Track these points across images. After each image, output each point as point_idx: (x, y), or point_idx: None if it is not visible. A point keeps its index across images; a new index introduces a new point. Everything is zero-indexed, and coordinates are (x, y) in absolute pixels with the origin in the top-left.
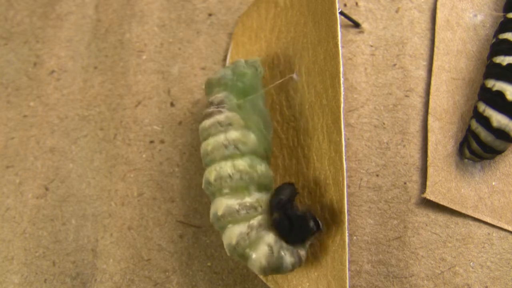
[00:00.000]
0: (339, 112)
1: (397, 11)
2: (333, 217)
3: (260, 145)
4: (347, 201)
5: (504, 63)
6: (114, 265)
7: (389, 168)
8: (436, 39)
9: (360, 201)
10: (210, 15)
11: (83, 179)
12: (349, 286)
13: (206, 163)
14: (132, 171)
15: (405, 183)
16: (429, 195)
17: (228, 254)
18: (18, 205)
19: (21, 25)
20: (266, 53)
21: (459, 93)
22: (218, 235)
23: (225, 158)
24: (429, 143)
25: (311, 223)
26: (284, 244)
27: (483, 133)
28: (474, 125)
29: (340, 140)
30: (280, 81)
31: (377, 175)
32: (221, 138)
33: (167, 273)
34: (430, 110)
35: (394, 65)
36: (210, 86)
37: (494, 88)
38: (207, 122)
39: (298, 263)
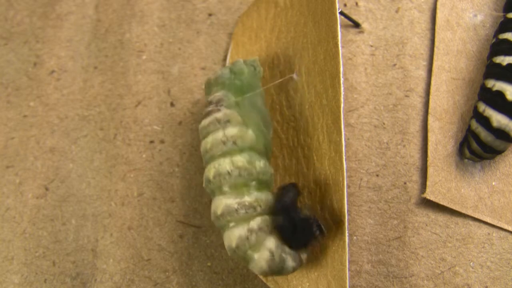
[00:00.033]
0: (339, 112)
1: (397, 11)
2: (333, 217)
3: (258, 141)
4: (347, 201)
5: (504, 63)
6: (114, 265)
7: (389, 168)
8: (436, 39)
9: (360, 201)
10: (210, 15)
11: (83, 179)
12: (349, 286)
13: (206, 161)
14: (132, 171)
15: (405, 183)
16: (429, 195)
17: (229, 254)
18: (18, 205)
19: (21, 25)
20: (266, 53)
21: (459, 93)
22: (218, 235)
23: (224, 154)
24: (429, 143)
25: (315, 228)
26: (286, 248)
27: (483, 133)
28: (474, 125)
29: (340, 140)
30: (280, 80)
31: (377, 175)
32: (219, 135)
33: (167, 273)
34: (430, 110)
35: (394, 65)
36: (209, 86)
37: (494, 88)
38: (206, 121)
39: (299, 266)
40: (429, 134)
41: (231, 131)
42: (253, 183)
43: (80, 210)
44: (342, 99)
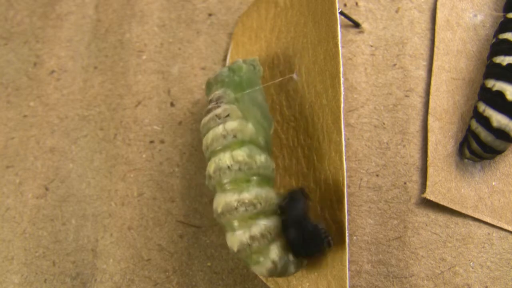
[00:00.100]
0: (339, 112)
1: (397, 11)
2: (333, 217)
3: (258, 135)
4: (347, 201)
5: (504, 63)
6: (114, 265)
7: (389, 168)
8: (436, 39)
9: (360, 201)
10: (210, 15)
11: (83, 179)
12: (349, 286)
13: (207, 157)
14: (132, 171)
15: (405, 183)
16: (429, 195)
17: (231, 254)
18: (18, 205)
19: (21, 25)
20: (266, 53)
21: (459, 93)
22: (218, 235)
23: (224, 149)
24: (429, 143)
25: (325, 242)
26: (290, 256)
27: (483, 133)
28: (474, 125)
29: (340, 140)
30: (280, 79)
31: (377, 175)
32: (219, 129)
33: (167, 273)
34: (430, 110)
35: (394, 65)
36: (209, 86)
37: (494, 88)
38: (206, 118)
39: (299, 269)
40: (429, 134)
41: (231, 124)
42: (254, 178)
43: (80, 210)
44: (342, 99)
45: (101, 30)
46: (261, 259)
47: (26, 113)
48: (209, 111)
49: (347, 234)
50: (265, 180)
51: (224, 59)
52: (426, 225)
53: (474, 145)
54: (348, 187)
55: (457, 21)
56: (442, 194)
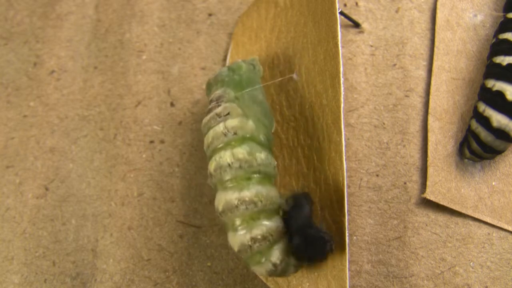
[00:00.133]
0: (339, 112)
1: (397, 11)
2: (333, 217)
3: (259, 132)
4: (347, 201)
5: (504, 63)
6: (114, 265)
7: (389, 168)
8: (436, 39)
9: (360, 201)
10: (210, 15)
11: (83, 179)
12: (349, 286)
13: (208, 156)
14: (132, 171)
15: (405, 183)
16: (429, 195)
17: (232, 252)
18: (18, 205)
19: (21, 25)
20: (266, 53)
21: (459, 93)
22: (218, 235)
23: (225, 146)
24: (429, 143)
25: (327, 249)
26: (291, 259)
27: (483, 133)
28: (474, 125)
29: (340, 140)
30: (280, 79)
31: (377, 175)
32: (220, 127)
33: (167, 273)
34: (430, 110)
35: (394, 65)
36: (209, 87)
37: (494, 88)
38: (207, 118)
39: (299, 269)
40: (429, 134)
41: (232, 122)
42: (255, 176)
43: (80, 210)
44: (342, 99)
45: (101, 30)
46: (262, 260)
47: (26, 113)
48: (209, 110)
49: (347, 234)
50: (266, 178)
51: (224, 59)
52: (426, 225)
53: (474, 145)
54: (348, 187)
55: (457, 21)
56: (442, 194)
